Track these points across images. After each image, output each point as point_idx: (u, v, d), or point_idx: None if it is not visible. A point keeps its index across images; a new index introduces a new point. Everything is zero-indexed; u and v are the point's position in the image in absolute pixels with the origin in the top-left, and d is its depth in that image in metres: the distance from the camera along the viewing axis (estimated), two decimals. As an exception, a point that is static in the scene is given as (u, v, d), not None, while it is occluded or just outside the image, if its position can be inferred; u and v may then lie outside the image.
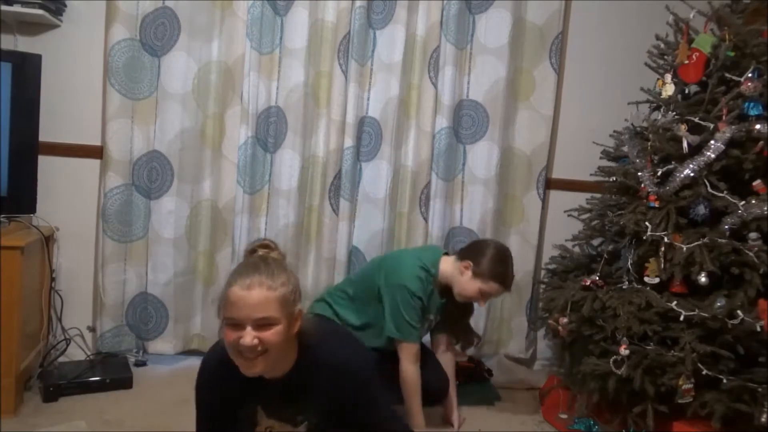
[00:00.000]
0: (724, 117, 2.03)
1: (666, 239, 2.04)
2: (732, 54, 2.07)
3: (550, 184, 2.96)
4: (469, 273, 2.15)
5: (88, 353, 2.63)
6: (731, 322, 1.92)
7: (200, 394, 1.54)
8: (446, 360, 2.39)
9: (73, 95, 2.54)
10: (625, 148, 2.28)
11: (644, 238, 2.08)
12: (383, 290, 2.15)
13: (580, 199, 2.59)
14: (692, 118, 2.10)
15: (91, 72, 2.55)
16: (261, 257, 1.42)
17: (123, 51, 2.52)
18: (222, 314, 1.35)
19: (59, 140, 2.53)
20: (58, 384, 2.31)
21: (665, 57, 2.29)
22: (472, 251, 2.20)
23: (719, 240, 1.98)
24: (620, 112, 2.41)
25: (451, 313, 2.33)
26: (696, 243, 1.99)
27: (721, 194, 2.01)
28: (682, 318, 1.97)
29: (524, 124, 2.89)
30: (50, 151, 2.49)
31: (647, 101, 2.36)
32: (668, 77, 2.21)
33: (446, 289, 2.24)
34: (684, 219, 2.07)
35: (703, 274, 1.96)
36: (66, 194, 2.57)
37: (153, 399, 2.36)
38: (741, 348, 1.95)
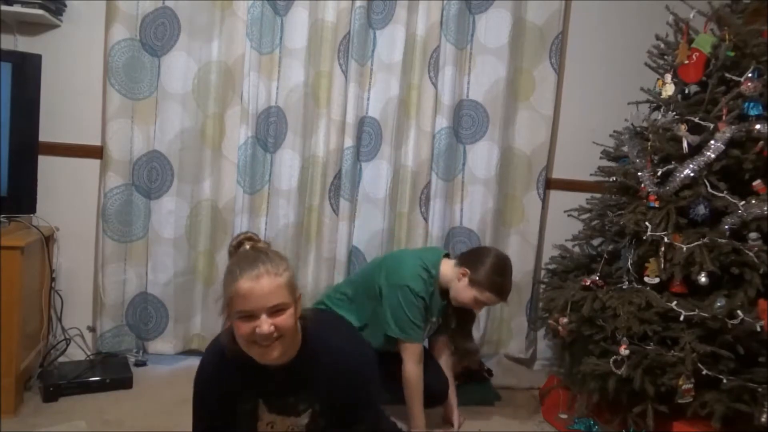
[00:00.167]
0: (724, 117, 2.03)
1: (666, 239, 2.04)
2: (732, 54, 2.07)
3: (550, 184, 2.96)
4: (465, 280, 2.14)
5: (88, 353, 2.63)
6: (731, 322, 1.92)
7: (200, 390, 1.54)
8: (445, 361, 2.38)
9: (73, 95, 2.54)
10: (625, 148, 2.28)
11: (644, 238, 2.08)
12: (384, 290, 2.14)
13: (580, 199, 2.59)
14: (692, 118, 2.10)
15: (91, 72, 2.55)
16: (254, 248, 1.45)
17: (123, 51, 2.52)
18: (230, 310, 1.38)
19: (59, 140, 2.53)
20: (58, 384, 2.31)
21: (665, 57, 2.29)
22: (471, 258, 2.19)
23: (719, 240, 1.98)
24: (620, 112, 2.41)
25: (451, 316, 2.32)
26: (696, 243, 1.99)
27: (721, 194, 2.01)
28: (682, 318, 1.97)
29: (524, 124, 2.89)
30: (50, 151, 2.49)
31: (647, 101, 2.36)
32: (668, 77, 2.21)
33: (446, 292, 2.23)
34: (684, 219, 2.07)
35: (703, 274, 1.96)
36: (66, 194, 2.57)
37: (153, 399, 2.36)
38: (741, 348, 1.95)
